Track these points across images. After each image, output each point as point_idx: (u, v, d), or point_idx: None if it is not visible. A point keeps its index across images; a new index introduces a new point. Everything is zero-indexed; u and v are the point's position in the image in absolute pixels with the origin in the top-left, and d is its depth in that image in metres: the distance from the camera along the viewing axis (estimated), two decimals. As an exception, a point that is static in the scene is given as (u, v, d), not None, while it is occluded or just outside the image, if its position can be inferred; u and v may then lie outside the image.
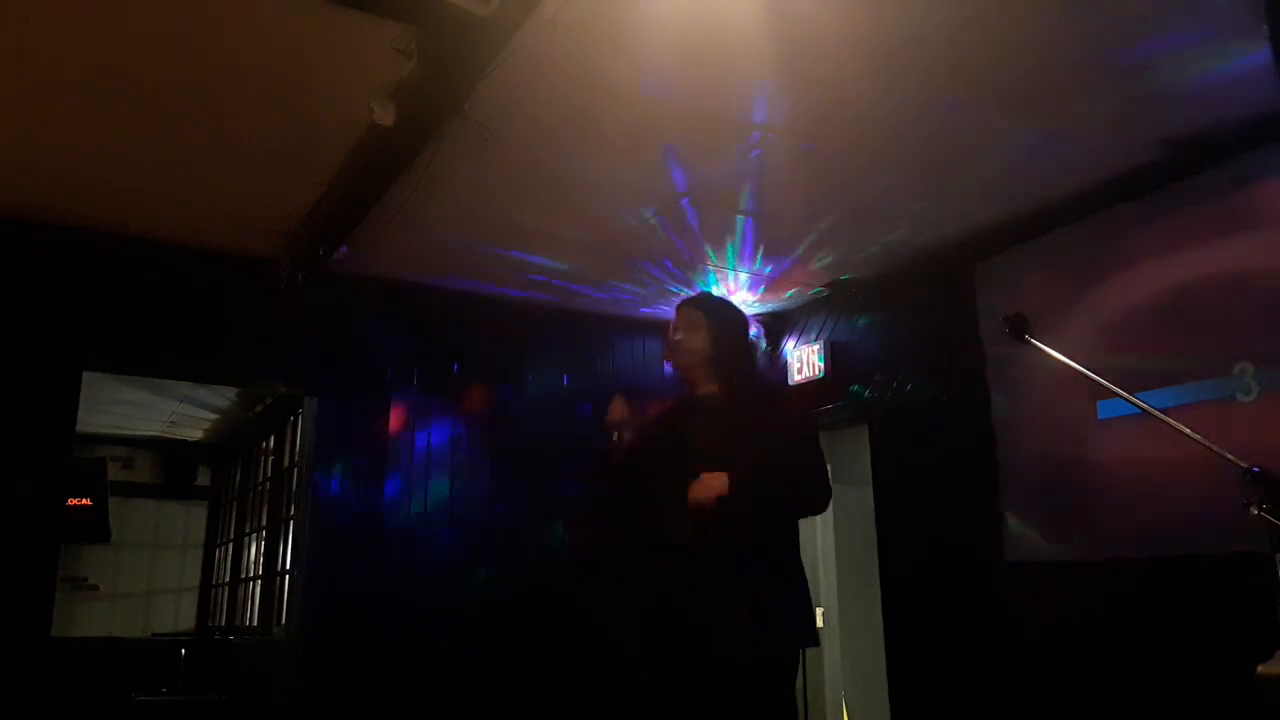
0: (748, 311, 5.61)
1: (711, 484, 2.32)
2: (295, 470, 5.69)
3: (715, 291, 5.27)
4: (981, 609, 4.30)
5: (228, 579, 7.68)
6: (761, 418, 2.54)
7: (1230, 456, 2.13)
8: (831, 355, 5.31)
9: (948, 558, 4.50)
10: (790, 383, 5.50)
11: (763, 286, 5.24)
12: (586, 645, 5.00)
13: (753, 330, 5.58)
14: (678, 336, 2.69)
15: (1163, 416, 2.30)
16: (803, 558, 2.58)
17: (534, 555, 5.10)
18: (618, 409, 2.66)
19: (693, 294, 2.92)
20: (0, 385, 4.16)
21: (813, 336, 5.49)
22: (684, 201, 4.11)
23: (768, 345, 5.75)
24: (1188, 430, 2.26)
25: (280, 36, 2.94)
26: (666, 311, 5.39)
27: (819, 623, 5.71)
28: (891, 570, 4.86)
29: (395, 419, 5.04)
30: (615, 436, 2.61)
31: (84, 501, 7.75)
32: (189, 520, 8.52)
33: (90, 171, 3.88)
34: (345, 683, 4.60)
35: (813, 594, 2.70)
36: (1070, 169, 3.82)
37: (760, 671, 2.39)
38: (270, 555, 6.34)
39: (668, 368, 2.74)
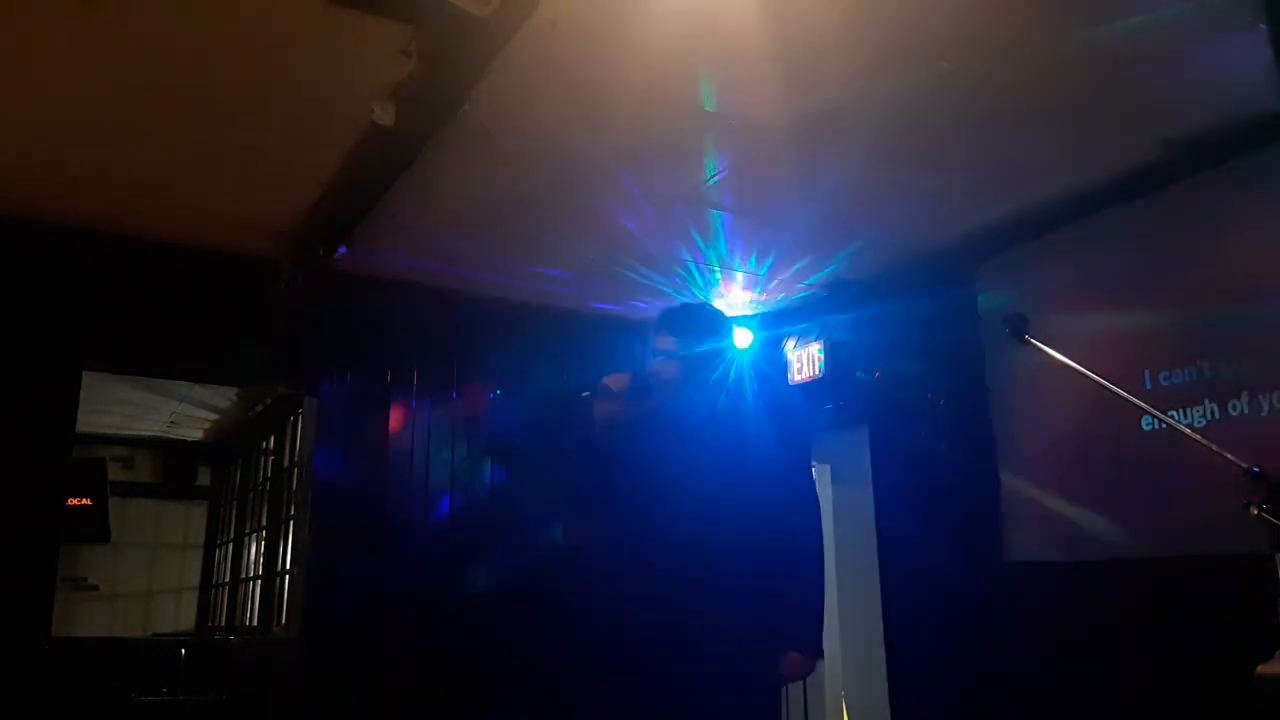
0: (748, 313, 5.60)
1: (797, 671, 2.49)
2: (295, 470, 5.70)
3: (714, 295, 5.26)
4: (981, 609, 4.30)
5: (228, 579, 7.68)
6: (747, 445, 2.52)
7: (1230, 456, 2.13)
8: (831, 355, 5.30)
9: (948, 558, 4.49)
10: (790, 383, 5.49)
11: (763, 287, 5.23)
12: (585, 646, 4.99)
13: (741, 340, 5.55)
14: (654, 361, 2.65)
15: (1162, 416, 2.31)
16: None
17: (534, 555, 5.09)
18: (619, 381, 2.64)
19: (670, 309, 2.83)
20: (0, 385, 4.16)
21: (813, 336, 5.49)
22: (683, 202, 4.12)
23: (760, 350, 5.72)
24: (1188, 430, 2.26)
25: (280, 36, 2.94)
26: (666, 311, 5.38)
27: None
28: (891, 570, 4.86)
29: (395, 419, 5.04)
30: (602, 405, 2.59)
31: (84, 501, 7.75)
32: (189, 520, 8.52)
33: (90, 172, 3.87)
34: (345, 683, 4.60)
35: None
36: (1070, 169, 3.82)
37: (750, 684, 2.45)
38: (270, 555, 6.34)
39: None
